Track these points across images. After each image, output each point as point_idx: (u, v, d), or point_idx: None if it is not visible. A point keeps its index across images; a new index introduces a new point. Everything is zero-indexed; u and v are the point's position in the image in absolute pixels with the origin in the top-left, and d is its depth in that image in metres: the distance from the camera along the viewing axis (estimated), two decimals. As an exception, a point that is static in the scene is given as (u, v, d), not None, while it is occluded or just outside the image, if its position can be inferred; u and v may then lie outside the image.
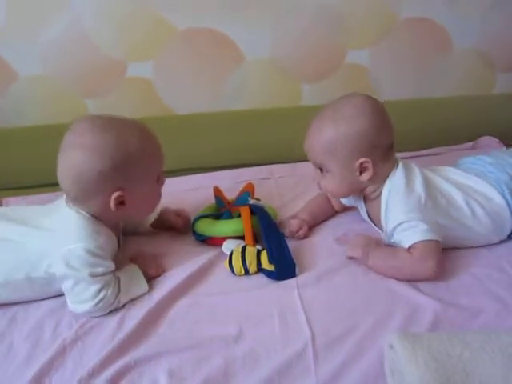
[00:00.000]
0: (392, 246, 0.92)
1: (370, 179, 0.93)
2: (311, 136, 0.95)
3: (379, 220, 0.97)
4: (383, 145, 0.93)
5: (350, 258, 0.93)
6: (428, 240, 0.87)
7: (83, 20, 1.28)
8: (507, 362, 0.58)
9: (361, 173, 0.92)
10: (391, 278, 0.88)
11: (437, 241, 0.87)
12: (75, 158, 0.81)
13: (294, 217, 1.05)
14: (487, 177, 0.97)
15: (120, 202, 0.86)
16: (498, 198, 0.94)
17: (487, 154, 1.08)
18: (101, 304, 0.82)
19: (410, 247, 0.87)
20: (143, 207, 0.92)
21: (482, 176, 0.98)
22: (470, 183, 0.96)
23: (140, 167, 0.85)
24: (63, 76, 1.33)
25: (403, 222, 0.89)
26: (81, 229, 0.84)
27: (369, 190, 0.96)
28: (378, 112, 0.93)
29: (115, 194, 0.84)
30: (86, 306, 0.81)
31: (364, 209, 1.03)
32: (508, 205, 0.94)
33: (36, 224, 0.87)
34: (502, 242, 0.97)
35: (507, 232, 0.96)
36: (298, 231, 1.01)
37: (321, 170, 0.96)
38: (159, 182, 0.92)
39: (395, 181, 0.93)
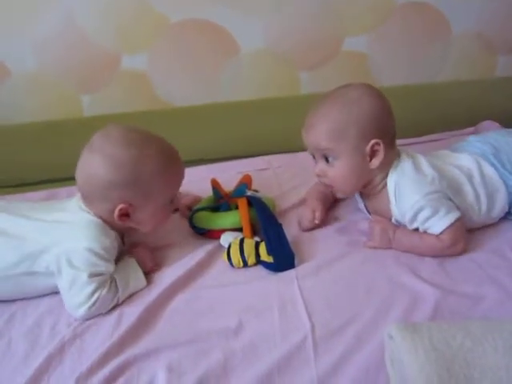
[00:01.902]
0: (415, 232, 0.92)
1: (379, 167, 0.91)
2: (316, 123, 0.91)
3: (383, 214, 0.96)
4: (390, 130, 0.92)
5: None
6: (453, 223, 0.87)
7: (75, 13, 1.26)
8: (509, 351, 0.57)
9: (371, 158, 0.90)
10: None
11: (459, 217, 0.88)
12: (93, 162, 0.84)
13: (304, 207, 1.03)
14: (475, 152, 0.99)
15: (124, 214, 0.86)
16: (487, 168, 0.95)
17: (476, 134, 1.09)
18: (96, 306, 0.81)
19: (438, 234, 0.88)
20: (149, 223, 0.91)
21: (470, 152, 0.99)
22: (463, 162, 0.97)
23: (152, 190, 0.86)
24: (56, 71, 1.32)
25: (423, 209, 0.87)
26: (88, 229, 0.85)
27: (374, 182, 0.94)
28: (384, 97, 0.93)
29: (120, 206, 0.85)
30: (82, 310, 0.81)
31: (363, 205, 1.02)
32: (498, 171, 0.94)
33: (40, 217, 0.87)
34: (504, 225, 0.97)
35: (505, 202, 0.95)
36: (314, 216, 0.99)
37: (327, 160, 0.93)
38: (172, 203, 0.93)
39: (402, 168, 0.92)
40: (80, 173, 0.86)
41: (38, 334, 0.79)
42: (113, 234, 0.88)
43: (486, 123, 1.41)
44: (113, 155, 0.83)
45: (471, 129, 1.42)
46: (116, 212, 0.85)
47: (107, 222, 0.87)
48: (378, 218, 0.96)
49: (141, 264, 0.90)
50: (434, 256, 0.89)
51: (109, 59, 1.33)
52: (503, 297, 0.79)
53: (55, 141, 1.30)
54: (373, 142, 0.89)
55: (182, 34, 1.34)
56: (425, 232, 0.90)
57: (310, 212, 1.00)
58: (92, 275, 0.82)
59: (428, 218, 0.88)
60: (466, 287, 0.82)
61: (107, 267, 0.84)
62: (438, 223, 0.88)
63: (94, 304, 0.81)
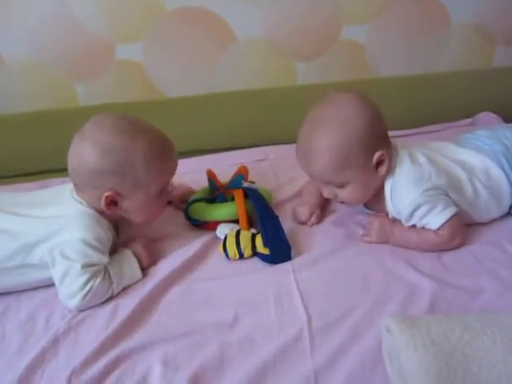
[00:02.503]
0: (412, 227, 0.90)
1: (386, 171, 0.89)
2: (314, 156, 0.87)
3: (381, 209, 0.95)
4: (384, 133, 0.90)
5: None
6: (450, 218, 0.86)
7: (69, 2, 1.24)
8: (508, 345, 0.56)
9: (377, 168, 0.89)
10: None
11: (456, 213, 0.87)
12: (83, 149, 0.83)
13: (300, 203, 1.01)
14: (484, 149, 0.96)
15: (112, 203, 0.86)
16: (496, 170, 0.93)
17: (483, 128, 1.06)
18: (89, 297, 0.80)
19: (436, 229, 0.87)
20: (139, 214, 0.90)
21: (478, 149, 0.96)
22: (468, 158, 0.95)
23: (141, 179, 0.85)
24: (51, 60, 1.30)
25: (420, 206, 0.86)
26: (81, 219, 0.84)
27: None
28: (369, 103, 0.89)
29: (106, 194, 0.84)
30: (76, 300, 0.80)
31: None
32: (506, 174, 0.93)
33: (35, 213, 0.86)
34: (501, 218, 0.96)
35: (507, 204, 0.94)
36: (309, 219, 0.98)
37: (339, 186, 0.90)
38: (163, 194, 0.91)
39: (400, 164, 0.90)
40: (71, 160, 0.85)
41: (32, 326, 0.79)
42: (106, 224, 0.87)
43: (483, 115, 1.41)
44: (103, 142, 0.82)
45: (468, 120, 1.41)
46: (102, 199, 0.84)
47: (100, 212, 0.86)
48: (377, 213, 0.95)
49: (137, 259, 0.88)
50: (433, 251, 0.88)
51: (103, 48, 1.31)
52: (501, 289, 0.79)
53: (49, 131, 1.28)
54: (378, 154, 0.87)
55: (177, 23, 1.32)
56: (422, 228, 0.89)
57: (308, 213, 0.98)
58: (85, 266, 0.81)
59: (425, 214, 0.87)
60: (463, 280, 0.81)
61: (100, 258, 0.84)
62: (436, 219, 0.87)
63: (87, 294, 0.80)
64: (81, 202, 0.86)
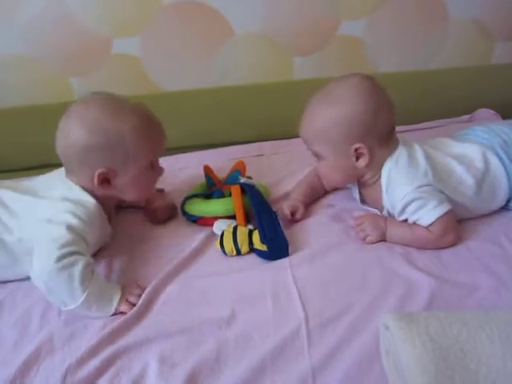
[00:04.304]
0: (405, 223, 0.90)
1: (368, 165, 0.90)
2: (304, 122, 0.92)
3: (377, 203, 0.95)
4: (380, 130, 0.89)
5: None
6: (443, 215, 0.86)
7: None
8: (506, 341, 0.56)
9: (357, 159, 0.89)
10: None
11: (449, 210, 0.87)
12: (68, 128, 0.82)
13: (286, 199, 1.02)
14: (482, 143, 0.96)
15: (105, 180, 0.85)
16: (494, 160, 0.93)
17: (480, 124, 1.06)
18: (64, 262, 0.74)
19: (428, 225, 0.87)
20: (132, 191, 0.89)
21: (476, 143, 0.97)
22: (467, 151, 0.95)
23: (131, 151, 0.84)
24: (46, 55, 1.28)
25: (413, 201, 0.86)
26: (72, 204, 0.83)
27: (366, 176, 0.93)
28: (376, 95, 0.89)
29: (99, 171, 0.83)
30: (51, 261, 0.74)
31: (357, 193, 1.01)
32: (504, 165, 0.93)
33: (38, 195, 0.87)
34: (499, 214, 0.96)
35: (504, 195, 0.94)
36: (292, 214, 0.98)
37: (316, 156, 0.93)
38: (154, 169, 0.90)
39: (397, 160, 0.90)
40: (58, 143, 0.84)
41: (28, 323, 0.78)
42: (93, 207, 0.85)
43: (482, 111, 1.40)
44: (88, 118, 0.81)
45: (466, 116, 1.41)
46: (95, 178, 0.83)
47: (92, 194, 0.86)
48: (367, 213, 0.96)
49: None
50: (424, 247, 0.88)
51: (100, 42, 1.29)
52: (498, 285, 0.79)
53: (44, 125, 1.25)
54: (355, 146, 0.88)
55: (175, 17, 1.31)
56: (414, 224, 0.89)
57: (289, 206, 0.98)
58: (70, 229, 0.79)
59: (417, 210, 0.87)
60: (461, 276, 0.81)
61: (84, 229, 0.81)
62: (427, 215, 0.86)
63: (64, 256, 0.75)
64: (71, 188, 0.85)
